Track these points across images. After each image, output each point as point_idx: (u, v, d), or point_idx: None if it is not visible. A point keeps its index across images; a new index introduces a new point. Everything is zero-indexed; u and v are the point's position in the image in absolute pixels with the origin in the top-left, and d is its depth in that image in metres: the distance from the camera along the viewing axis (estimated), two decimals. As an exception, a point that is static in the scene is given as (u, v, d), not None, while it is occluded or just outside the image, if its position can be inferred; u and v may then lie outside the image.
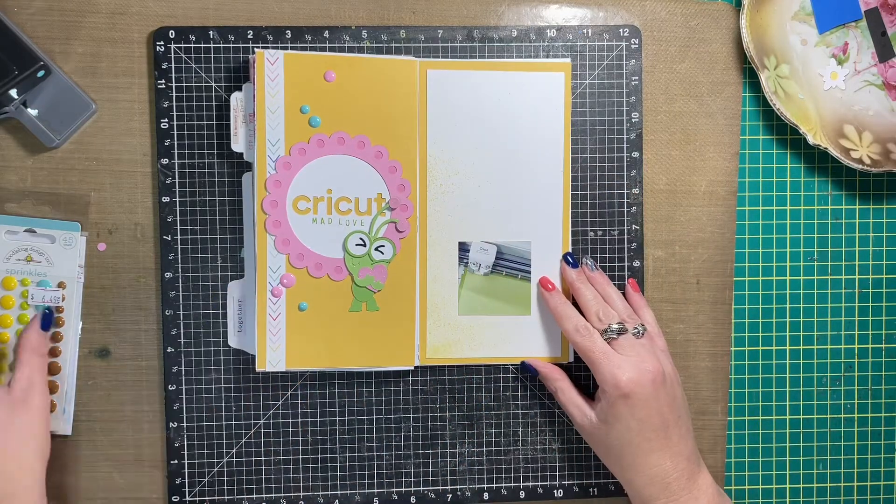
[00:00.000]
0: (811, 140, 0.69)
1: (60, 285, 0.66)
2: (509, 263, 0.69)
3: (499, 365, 0.70)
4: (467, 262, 0.69)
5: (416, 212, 0.68)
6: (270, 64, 0.66)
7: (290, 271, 0.66)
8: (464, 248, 0.69)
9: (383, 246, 0.67)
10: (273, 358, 0.66)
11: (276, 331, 0.66)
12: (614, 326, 0.64)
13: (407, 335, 0.68)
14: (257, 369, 0.66)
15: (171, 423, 0.68)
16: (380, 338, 0.67)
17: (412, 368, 0.68)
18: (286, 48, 0.67)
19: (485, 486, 0.70)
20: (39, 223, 0.66)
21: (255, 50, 0.66)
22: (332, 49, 0.68)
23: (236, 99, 0.67)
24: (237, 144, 0.67)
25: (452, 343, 0.69)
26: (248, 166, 0.67)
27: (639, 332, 0.64)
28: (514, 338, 0.69)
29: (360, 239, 0.67)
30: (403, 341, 0.68)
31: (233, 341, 0.68)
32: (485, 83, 0.68)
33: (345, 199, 0.67)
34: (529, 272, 0.69)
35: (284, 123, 0.66)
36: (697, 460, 0.64)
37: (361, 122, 0.67)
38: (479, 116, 0.68)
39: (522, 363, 0.69)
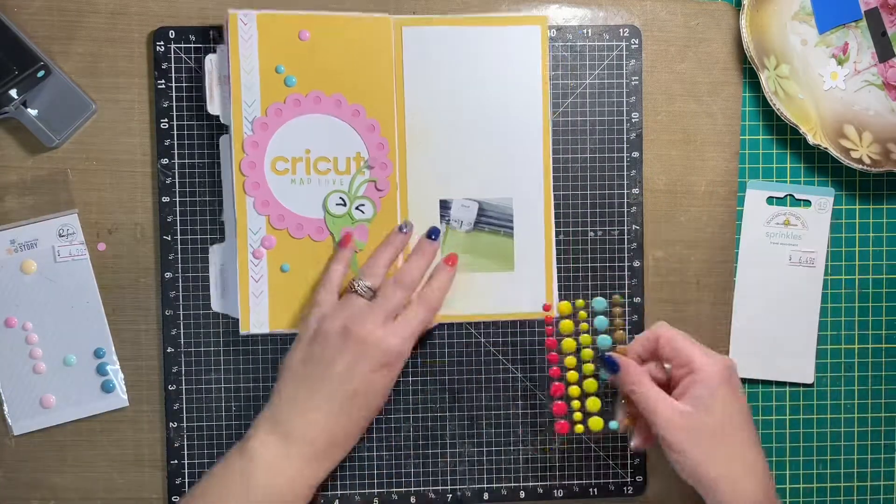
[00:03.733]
0: (811, 140, 0.69)
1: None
2: (491, 220, 0.69)
3: (499, 365, 0.70)
4: (449, 220, 0.69)
5: (395, 170, 0.68)
6: (244, 24, 0.65)
7: (271, 233, 0.66)
8: (445, 206, 0.69)
9: (363, 205, 0.67)
10: (256, 320, 0.66)
11: (258, 293, 0.66)
12: None
13: None
14: (241, 332, 0.66)
15: (171, 423, 0.68)
16: None
17: None
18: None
19: (485, 486, 0.70)
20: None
21: (229, 10, 0.65)
22: (305, 7, 0.67)
23: (210, 61, 0.66)
24: (213, 107, 0.66)
25: None
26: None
27: None
28: (499, 294, 0.69)
29: (340, 198, 0.67)
30: None
31: (216, 305, 0.68)
32: (461, 39, 0.68)
33: (323, 158, 0.67)
34: (512, 228, 0.69)
35: (260, 84, 0.65)
36: None
37: (337, 80, 0.66)
38: (457, 72, 0.68)
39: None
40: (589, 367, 0.68)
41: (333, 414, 0.60)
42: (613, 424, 0.67)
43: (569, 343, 0.69)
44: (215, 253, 0.68)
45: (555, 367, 0.69)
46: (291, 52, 0.66)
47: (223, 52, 0.66)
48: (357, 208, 0.67)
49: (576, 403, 0.68)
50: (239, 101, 0.65)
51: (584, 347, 0.69)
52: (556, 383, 0.68)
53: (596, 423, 0.68)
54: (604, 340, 0.68)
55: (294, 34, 0.66)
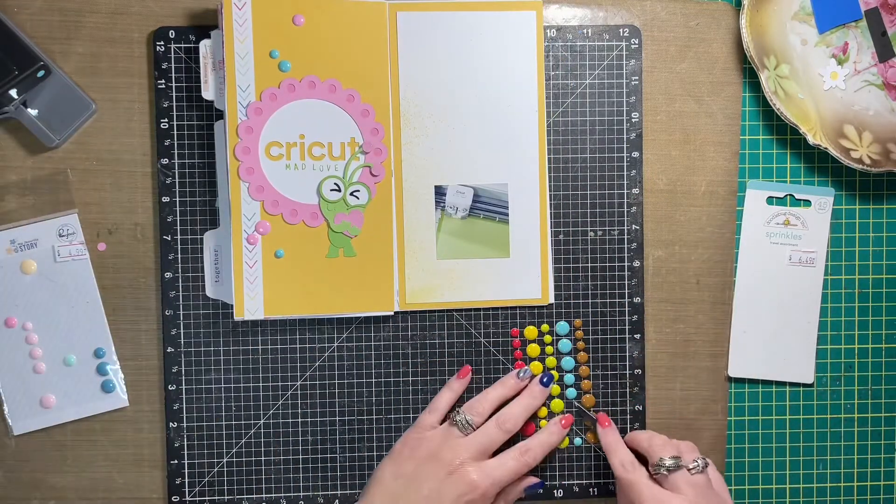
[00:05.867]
0: (811, 140, 0.69)
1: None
2: (486, 206, 0.69)
3: (498, 365, 0.70)
4: (444, 206, 0.69)
5: (390, 156, 0.68)
6: (238, 9, 0.65)
7: (265, 218, 0.66)
8: (440, 192, 0.69)
9: (358, 191, 0.67)
10: (251, 306, 0.66)
11: (253, 279, 0.66)
12: (667, 462, 0.62)
13: (386, 280, 0.67)
14: (235, 318, 0.66)
15: (171, 423, 0.68)
16: (358, 283, 0.67)
17: (392, 314, 0.68)
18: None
19: (485, 486, 0.70)
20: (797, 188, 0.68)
21: None
22: None
23: (205, 46, 0.66)
24: (207, 92, 0.66)
25: (432, 287, 0.69)
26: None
27: (698, 466, 0.62)
28: (494, 280, 0.69)
29: (335, 184, 0.67)
30: (382, 286, 0.67)
31: (210, 292, 0.68)
32: (456, 24, 0.68)
33: (318, 143, 0.67)
34: (507, 214, 0.69)
35: (254, 69, 0.65)
36: None
37: (332, 65, 0.66)
38: (452, 57, 0.68)
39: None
40: (556, 389, 0.69)
41: None
42: (578, 441, 0.70)
43: (536, 366, 0.70)
44: (209, 238, 0.67)
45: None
46: (286, 36, 0.66)
47: (217, 37, 0.66)
48: (352, 194, 0.67)
49: (543, 423, 0.69)
50: (233, 85, 0.65)
51: (550, 370, 0.70)
52: None
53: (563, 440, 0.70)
54: (567, 362, 0.69)
55: (288, 19, 0.66)
